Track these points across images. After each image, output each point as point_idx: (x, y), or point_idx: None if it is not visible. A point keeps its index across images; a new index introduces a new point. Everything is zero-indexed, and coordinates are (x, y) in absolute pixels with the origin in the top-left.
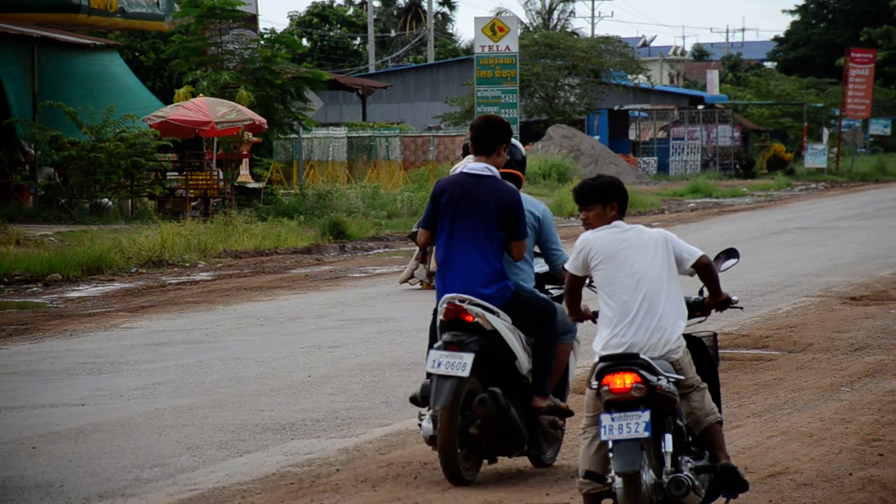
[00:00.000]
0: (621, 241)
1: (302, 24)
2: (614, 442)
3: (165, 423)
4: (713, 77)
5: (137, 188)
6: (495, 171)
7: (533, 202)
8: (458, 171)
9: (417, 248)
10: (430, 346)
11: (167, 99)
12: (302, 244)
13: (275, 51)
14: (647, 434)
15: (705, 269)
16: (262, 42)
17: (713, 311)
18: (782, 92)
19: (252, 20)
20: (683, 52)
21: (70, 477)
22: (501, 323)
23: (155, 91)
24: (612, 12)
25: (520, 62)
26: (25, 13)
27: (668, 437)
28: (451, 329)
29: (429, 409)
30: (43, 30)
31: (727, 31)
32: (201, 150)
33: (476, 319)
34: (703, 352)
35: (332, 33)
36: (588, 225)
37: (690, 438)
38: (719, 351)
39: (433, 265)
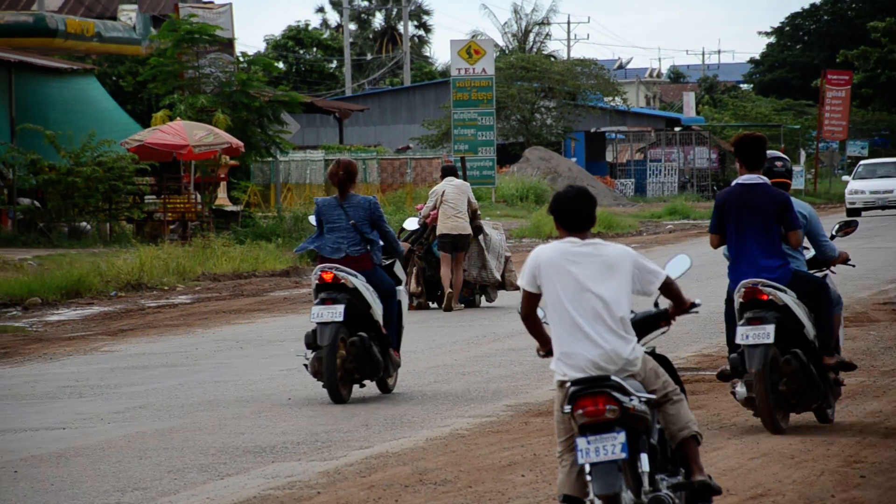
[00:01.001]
0: (571, 255)
1: (278, 47)
2: (592, 465)
3: (146, 447)
4: (689, 99)
5: (115, 212)
6: (765, 179)
7: (801, 204)
8: (739, 181)
9: None
10: (731, 327)
11: (145, 122)
12: (280, 267)
13: (251, 74)
14: (623, 455)
15: (669, 287)
16: (238, 66)
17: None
18: (759, 114)
19: (229, 45)
20: (659, 75)
21: (51, 501)
22: (789, 298)
23: (133, 114)
24: (588, 35)
25: (496, 84)
26: (2, 38)
27: (644, 457)
28: (752, 308)
29: (742, 377)
30: (20, 54)
31: (703, 54)
32: (179, 174)
33: (770, 297)
34: (669, 368)
35: (307, 57)
36: None
37: (667, 454)
38: (701, 372)
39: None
